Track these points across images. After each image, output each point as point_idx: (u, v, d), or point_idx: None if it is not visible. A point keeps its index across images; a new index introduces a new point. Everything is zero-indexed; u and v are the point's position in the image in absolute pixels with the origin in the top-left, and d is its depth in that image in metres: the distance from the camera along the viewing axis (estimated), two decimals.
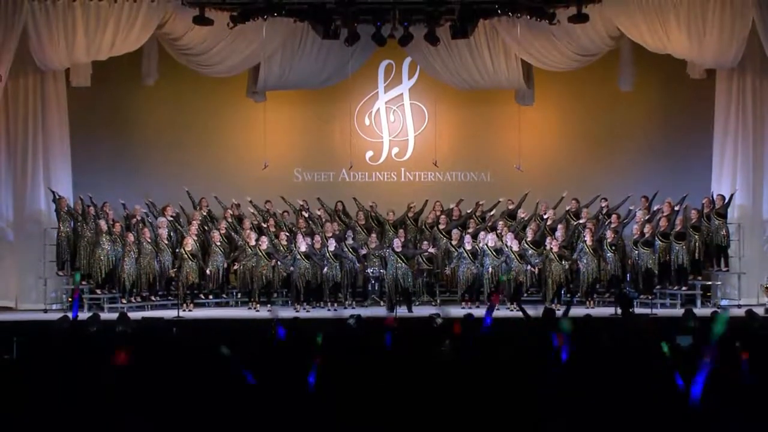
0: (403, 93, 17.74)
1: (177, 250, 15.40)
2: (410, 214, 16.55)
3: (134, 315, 12.25)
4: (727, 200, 15.39)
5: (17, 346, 8.72)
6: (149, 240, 15.24)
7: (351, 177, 17.54)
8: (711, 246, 15.45)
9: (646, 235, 15.15)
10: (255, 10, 15.10)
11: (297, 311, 14.75)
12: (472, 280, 15.33)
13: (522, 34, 15.72)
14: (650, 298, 14.75)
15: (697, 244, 15.31)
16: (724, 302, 15.40)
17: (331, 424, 5.02)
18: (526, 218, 15.98)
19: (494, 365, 5.58)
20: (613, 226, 15.35)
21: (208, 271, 15.41)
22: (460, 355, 6.02)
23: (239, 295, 15.90)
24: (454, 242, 15.66)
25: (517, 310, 14.50)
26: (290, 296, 15.51)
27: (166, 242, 15.46)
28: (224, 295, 15.95)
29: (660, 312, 14.22)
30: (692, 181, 16.39)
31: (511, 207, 16.41)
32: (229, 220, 16.03)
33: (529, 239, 15.41)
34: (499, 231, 15.58)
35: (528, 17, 15.34)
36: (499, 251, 15.13)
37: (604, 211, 15.99)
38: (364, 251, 15.55)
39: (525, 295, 15.44)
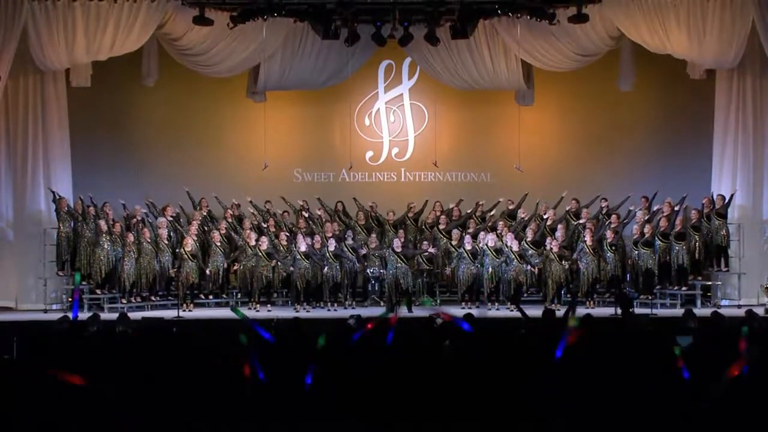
0: (403, 93, 17.74)
1: (177, 250, 15.40)
2: (410, 214, 16.55)
3: (134, 315, 12.25)
4: (727, 200, 15.39)
5: (17, 346, 8.72)
6: (149, 240, 15.24)
7: (351, 177, 17.54)
8: (711, 246, 15.45)
9: (646, 235, 15.15)
10: (255, 11, 15.10)
11: (297, 311, 14.75)
12: (472, 280, 15.33)
13: (522, 34, 15.73)
14: (650, 298, 14.75)
15: (697, 244, 15.31)
16: (724, 302, 15.41)
17: (330, 424, 5.03)
18: (526, 218, 15.98)
19: (493, 365, 5.57)
20: (613, 226, 15.35)
21: (207, 271, 15.41)
22: (460, 355, 6.02)
23: (239, 296, 15.90)
24: (454, 242, 15.66)
25: (517, 311, 14.58)
26: (290, 296, 15.51)
27: (166, 242, 15.46)
28: (224, 295, 15.94)
29: (660, 312, 14.22)
30: (692, 181, 16.39)
31: (511, 207, 16.42)
32: (229, 220, 16.04)
33: (529, 239, 15.42)
34: (499, 231, 15.58)
35: (528, 17, 15.35)
36: (499, 251, 15.13)
37: (604, 211, 15.99)
38: (364, 251, 15.55)
39: (525, 295, 15.46)
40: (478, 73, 16.38)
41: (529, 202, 16.25)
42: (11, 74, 15.26)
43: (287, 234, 15.74)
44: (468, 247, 15.30)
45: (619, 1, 15.29)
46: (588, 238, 15.16)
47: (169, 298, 15.57)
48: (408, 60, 17.36)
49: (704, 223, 15.43)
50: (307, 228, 15.98)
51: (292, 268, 15.13)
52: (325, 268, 15.14)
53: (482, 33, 16.05)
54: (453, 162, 17.72)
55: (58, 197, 15.44)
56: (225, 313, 15.02)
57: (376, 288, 15.64)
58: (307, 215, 16.20)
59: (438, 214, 16.43)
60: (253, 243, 15.31)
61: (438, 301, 15.87)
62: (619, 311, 13.10)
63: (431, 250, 15.52)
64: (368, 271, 15.50)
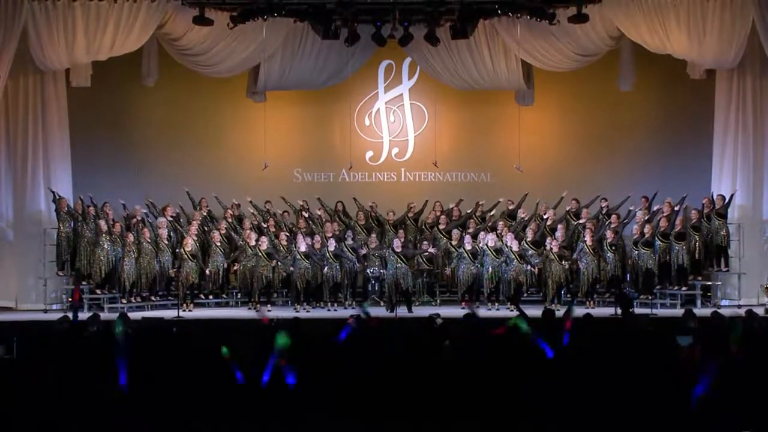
0: (403, 93, 17.75)
1: (177, 250, 15.40)
2: (410, 215, 16.55)
3: (134, 315, 12.25)
4: (727, 200, 15.38)
5: (17, 346, 8.72)
6: (149, 240, 15.24)
7: (351, 177, 17.55)
8: (711, 246, 15.44)
9: (646, 236, 15.15)
10: (255, 11, 15.10)
11: (297, 311, 14.75)
12: (472, 281, 15.33)
13: (522, 35, 15.72)
14: (650, 298, 14.74)
15: (697, 244, 15.30)
16: (724, 302, 15.41)
17: (330, 424, 5.03)
18: (526, 218, 15.98)
19: (493, 365, 5.58)
20: (613, 226, 15.35)
21: (207, 272, 15.41)
22: (459, 355, 6.02)
23: (239, 296, 15.90)
24: (454, 242, 15.66)
25: (516, 311, 14.59)
26: (290, 296, 15.51)
27: (166, 242, 15.46)
28: (224, 295, 15.94)
29: (660, 312, 14.22)
30: (692, 181, 16.38)
31: (511, 207, 16.42)
32: (229, 220, 16.03)
33: (529, 239, 15.41)
34: (499, 231, 15.58)
35: (528, 17, 15.35)
36: (499, 251, 15.13)
37: (604, 211, 15.99)
38: (364, 251, 15.55)
39: (525, 295, 15.47)
40: (478, 73, 16.38)
41: (529, 202, 16.25)
42: (11, 74, 15.26)
43: (287, 234, 15.73)
44: (468, 247, 15.30)
45: (619, 1, 15.29)
46: (588, 238, 15.16)
47: (169, 298, 15.57)
48: (408, 60, 17.37)
49: (704, 223, 15.43)
50: (307, 228, 15.98)
51: (292, 268, 15.13)
52: (325, 268, 15.14)
53: (482, 33, 16.05)
54: (453, 162, 17.72)
55: (58, 197, 15.44)
56: (225, 313, 15.04)
57: (376, 288, 15.63)
58: (307, 215, 16.20)
59: (438, 214, 16.42)
60: (253, 243, 15.31)
61: (438, 301, 15.88)
62: (619, 311, 13.11)
63: (431, 250, 15.52)
64: (368, 271, 15.50)
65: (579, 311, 12.60)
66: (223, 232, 15.72)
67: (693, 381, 4.89)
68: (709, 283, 15.57)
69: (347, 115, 17.53)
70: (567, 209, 16.16)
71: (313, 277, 15.16)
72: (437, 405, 5.13)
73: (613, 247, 15.16)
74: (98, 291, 15.22)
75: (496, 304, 15.14)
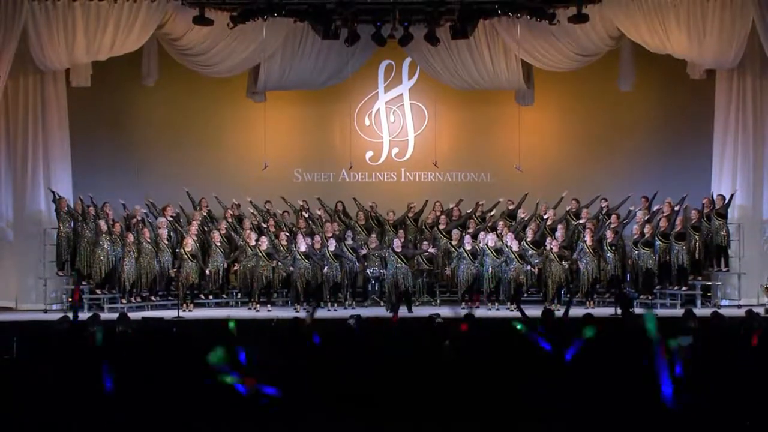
0: (403, 93, 17.75)
1: (177, 251, 15.40)
2: (410, 215, 16.56)
3: (134, 315, 12.24)
4: (727, 200, 15.39)
5: (17, 346, 8.72)
6: (149, 240, 15.24)
7: (351, 177, 17.55)
8: (711, 246, 15.45)
9: (646, 236, 15.15)
10: (255, 11, 15.10)
11: (297, 311, 14.75)
12: (472, 280, 15.33)
13: (522, 34, 15.73)
14: (650, 298, 14.77)
15: (697, 244, 15.31)
16: (724, 302, 15.39)
17: (330, 424, 5.03)
18: (526, 218, 15.99)
19: (493, 365, 5.57)
20: (613, 226, 15.35)
21: (207, 272, 15.41)
22: (460, 354, 6.02)
23: (239, 296, 15.90)
24: (454, 242, 15.66)
25: (517, 311, 14.60)
26: (290, 296, 15.51)
27: (166, 242, 15.46)
28: (224, 296, 15.95)
29: (660, 312, 14.22)
30: (692, 181, 16.39)
31: (511, 207, 16.42)
32: (229, 220, 16.04)
33: (529, 239, 15.42)
34: (499, 231, 15.58)
35: (528, 17, 15.35)
36: (499, 251, 15.13)
37: (604, 212, 15.99)
38: (364, 251, 15.55)
39: (525, 295, 15.48)
40: (478, 73, 16.38)
41: (529, 202, 16.25)
42: (11, 74, 15.26)
43: (287, 234, 15.74)
44: (468, 247, 15.30)
45: (619, 1, 15.30)
46: (588, 238, 15.16)
47: (169, 298, 15.57)
48: (408, 60, 17.37)
49: (704, 223, 15.43)
50: (307, 228, 15.98)
51: (292, 268, 15.13)
52: (325, 268, 15.14)
53: (482, 33, 16.05)
54: (453, 162, 17.73)
55: (58, 197, 15.44)
56: (225, 313, 15.03)
57: (376, 288, 15.64)
58: (307, 215, 16.20)
59: (438, 214, 16.43)
60: (253, 243, 15.31)
61: (438, 301, 15.89)
62: (619, 311, 13.11)
63: (431, 250, 15.52)
64: (368, 271, 15.50)
65: (579, 311, 12.68)
66: (223, 232, 15.72)
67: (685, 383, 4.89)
68: (709, 283, 15.57)
69: (347, 115, 17.54)
70: (567, 209, 16.16)
71: (313, 277, 15.16)
72: (437, 405, 5.13)
73: (613, 247, 15.17)
74: (98, 291, 15.23)
75: (496, 304, 15.14)
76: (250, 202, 16.36)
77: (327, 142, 17.85)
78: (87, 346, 6.73)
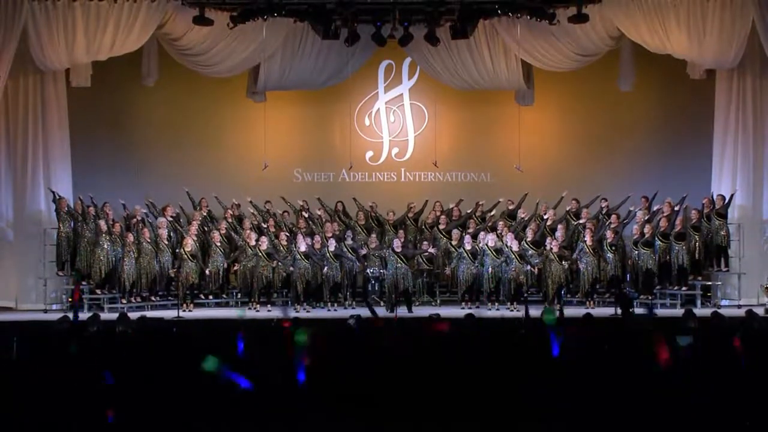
0: (403, 93, 17.75)
1: (177, 251, 15.40)
2: (410, 215, 16.55)
3: (134, 315, 12.23)
4: (727, 200, 15.38)
5: (17, 346, 8.71)
6: (149, 240, 15.24)
7: (351, 177, 17.55)
8: (711, 246, 15.44)
9: (646, 236, 15.15)
10: (255, 11, 15.10)
11: (297, 311, 14.74)
12: (472, 281, 15.33)
13: (522, 34, 15.73)
14: (650, 298, 14.75)
15: (697, 244, 15.31)
16: (724, 302, 15.38)
17: (330, 424, 5.03)
18: (526, 218, 15.98)
19: (493, 365, 5.57)
20: (613, 226, 15.35)
21: (207, 272, 15.41)
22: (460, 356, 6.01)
23: (239, 296, 15.90)
24: (454, 242, 15.66)
25: (518, 311, 14.60)
26: (290, 296, 15.50)
27: (166, 242, 15.46)
28: (224, 296, 15.95)
29: (660, 312, 14.22)
30: (692, 181, 16.39)
31: (510, 207, 16.42)
32: (229, 220, 16.04)
33: (529, 239, 15.42)
34: (499, 231, 15.58)
35: (528, 17, 15.35)
36: (499, 251, 15.13)
37: (604, 212, 15.99)
38: (364, 251, 15.55)
39: (525, 295, 15.46)
40: (478, 73, 16.38)
41: (529, 202, 16.25)
42: (11, 74, 15.26)
43: (287, 234, 15.73)
44: (468, 247, 15.30)
45: (619, 1, 15.29)
46: (588, 238, 15.16)
47: (169, 298, 15.57)
48: (408, 60, 17.37)
49: (704, 223, 15.43)
50: (307, 228, 15.98)
51: (292, 268, 15.13)
52: (325, 268, 15.14)
53: (482, 33, 16.05)
54: (453, 162, 17.72)
55: (58, 197, 15.44)
56: (225, 313, 15.04)
57: (376, 288, 15.63)
58: (307, 215, 16.20)
59: (438, 214, 16.43)
60: (253, 243, 15.31)
61: (438, 301, 15.89)
62: (619, 311, 13.11)
63: (431, 250, 15.52)
64: (368, 271, 15.50)
65: (579, 311, 12.69)
66: (223, 232, 15.72)
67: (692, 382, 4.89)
68: (709, 283, 15.57)
69: (347, 115, 17.54)
70: (567, 209, 16.16)
71: (313, 277, 15.16)
72: (437, 405, 5.13)
73: (613, 247, 15.16)
74: (98, 291, 15.23)
75: (496, 304, 15.14)
76: (250, 202, 16.36)
77: (327, 142, 17.85)
78: (87, 346, 6.73)
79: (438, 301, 15.87)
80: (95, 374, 5.34)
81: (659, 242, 15.20)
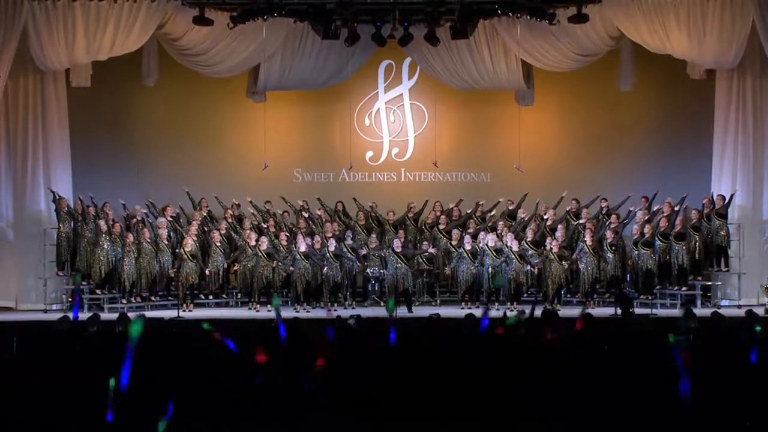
0: (403, 93, 17.75)
1: (177, 251, 15.40)
2: (410, 215, 16.56)
3: (134, 315, 12.24)
4: (727, 200, 15.39)
5: (17, 346, 8.71)
6: (149, 240, 15.24)
7: (351, 177, 17.55)
8: (711, 246, 15.45)
9: (646, 236, 15.15)
10: (255, 11, 15.10)
11: (297, 311, 14.75)
12: (472, 281, 15.34)
13: (522, 34, 15.73)
14: (650, 298, 14.74)
15: (697, 244, 15.31)
16: (724, 302, 15.38)
17: (330, 424, 5.03)
18: (526, 218, 15.99)
19: (493, 365, 5.57)
20: (613, 226, 15.35)
21: (207, 272, 15.41)
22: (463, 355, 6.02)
23: (239, 296, 15.90)
24: (454, 242, 15.67)
25: (517, 310, 14.59)
26: (290, 296, 15.50)
27: (166, 242, 15.46)
28: (224, 296, 15.95)
29: (660, 312, 14.22)
30: (692, 181, 16.39)
31: (510, 207, 16.42)
32: (229, 220, 16.04)
33: (529, 239, 15.42)
34: (499, 231, 15.58)
35: (528, 17, 15.35)
36: (499, 251, 15.14)
37: (604, 212, 15.99)
38: (364, 251, 15.55)
39: (525, 295, 15.49)
40: (478, 73, 16.38)
41: (529, 202, 16.25)
42: (11, 74, 15.26)
43: (287, 234, 15.74)
44: (468, 247, 15.30)
45: (619, 1, 15.30)
46: (588, 238, 15.17)
47: (169, 298, 15.57)
48: (408, 60, 17.37)
49: (704, 223, 15.43)
50: (307, 228, 15.98)
51: (292, 269, 15.14)
52: (325, 268, 15.14)
53: (482, 33, 16.05)
54: (453, 162, 17.73)
55: (58, 197, 15.44)
56: (225, 313, 15.04)
57: (376, 288, 15.64)
58: (307, 215, 16.20)
59: (438, 214, 16.43)
60: (253, 243, 15.32)
61: (438, 301, 15.89)
62: (619, 311, 13.11)
63: (431, 250, 15.52)
64: (368, 271, 15.50)
65: (579, 311, 12.68)
66: (223, 232, 15.73)
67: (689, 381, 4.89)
68: (709, 283, 15.57)
69: (347, 115, 17.54)
70: (567, 209, 16.17)
71: (313, 278, 15.17)
72: (437, 405, 5.13)
73: (613, 247, 15.17)
74: (98, 291, 15.22)
75: (496, 304, 15.15)
76: (250, 202, 16.36)
77: (327, 142, 17.85)
78: (87, 346, 6.73)
79: (438, 301, 15.88)
80: (95, 374, 5.34)
81: (659, 242, 15.20)
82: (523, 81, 16.49)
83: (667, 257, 15.16)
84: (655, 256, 15.14)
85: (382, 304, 15.28)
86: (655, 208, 15.68)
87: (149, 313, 14.44)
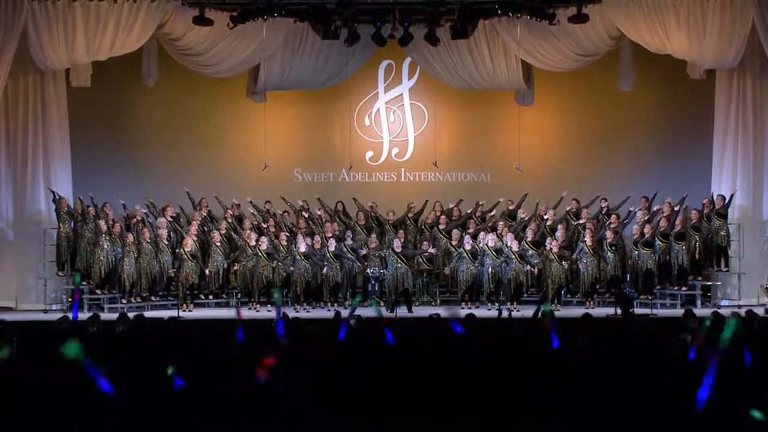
0: (403, 93, 17.75)
1: (177, 251, 15.40)
2: (410, 215, 16.56)
3: (134, 315, 12.23)
4: (727, 200, 15.38)
5: (17, 346, 8.71)
6: (149, 240, 15.24)
7: (351, 177, 17.55)
8: (711, 246, 15.45)
9: (646, 236, 15.15)
10: (255, 11, 15.10)
11: (297, 311, 14.75)
12: (472, 281, 15.34)
13: (522, 34, 15.73)
14: (650, 298, 14.74)
15: (697, 244, 15.31)
16: (724, 302, 15.40)
17: (330, 424, 5.03)
18: (526, 218, 15.99)
19: (493, 365, 5.58)
20: (613, 226, 15.35)
21: (207, 272, 15.41)
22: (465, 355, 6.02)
23: (239, 296, 15.90)
24: (454, 242, 15.67)
25: (518, 310, 14.59)
26: (290, 296, 15.50)
27: (166, 242, 15.46)
28: (224, 295, 15.95)
29: (660, 312, 14.22)
30: (692, 181, 16.39)
31: (510, 207, 16.42)
32: (229, 220, 16.04)
33: (529, 239, 15.42)
34: (499, 231, 15.58)
35: (528, 17, 15.35)
36: (499, 251, 15.14)
37: (604, 212, 15.99)
38: (364, 251, 15.55)
39: (525, 295, 15.48)
40: (478, 73, 16.38)
41: (529, 202, 16.25)
42: (11, 74, 15.26)
43: (287, 234, 15.73)
44: (468, 247, 15.30)
45: (619, 1, 15.30)
46: (588, 239, 15.16)
47: (169, 298, 15.57)
48: (408, 60, 17.37)
49: (704, 224, 15.43)
50: (307, 228, 15.98)
51: (292, 269, 15.14)
52: (325, 268, 15.14)
53: (482, 33, 16.05)
54: (453, 162, 17.73)
55: (58, 197, 15.44)
56: (225, 313, 15.03)
57: (376, 288, 15.63)
58: (307, 215, 16.20)
59: (438, 214, 16.43)
60: (253, 243, 15.31)
61: (438, 301, 15.89)
62: (619, 311, 13.11)
63: (431, 250, 15.52)
64: (368, 271, 15.49)
65: (579, 311, 12.70)
66: (223, 232, 15.72)
67: (695, 382, 4.88)
68: (709, 283, 15.57)
69: (347, 115, 17.54)
70: (567, 209, 16.16)
71: (313, 278, 15.17)
72: (437, 405, 5.13)
73: (613, 247, 15.16)
74: (98, 291, 15.22)
75: (497, 304, 15.14)
76: (250, 202, 16.36)
77: (327, 142, 17.85)
78: (87, 346, 6.73)
79: (438, 301, 15.87)
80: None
81: (659, 242, 15.20)
82: (523, 81, 16.49)
83: (667, 257, 15.16)
84: (655, 256, 15.14)
85: (382, 304, 15.26)
86: (655, 208, 15.68)
87: (149, 313, 14.45)
